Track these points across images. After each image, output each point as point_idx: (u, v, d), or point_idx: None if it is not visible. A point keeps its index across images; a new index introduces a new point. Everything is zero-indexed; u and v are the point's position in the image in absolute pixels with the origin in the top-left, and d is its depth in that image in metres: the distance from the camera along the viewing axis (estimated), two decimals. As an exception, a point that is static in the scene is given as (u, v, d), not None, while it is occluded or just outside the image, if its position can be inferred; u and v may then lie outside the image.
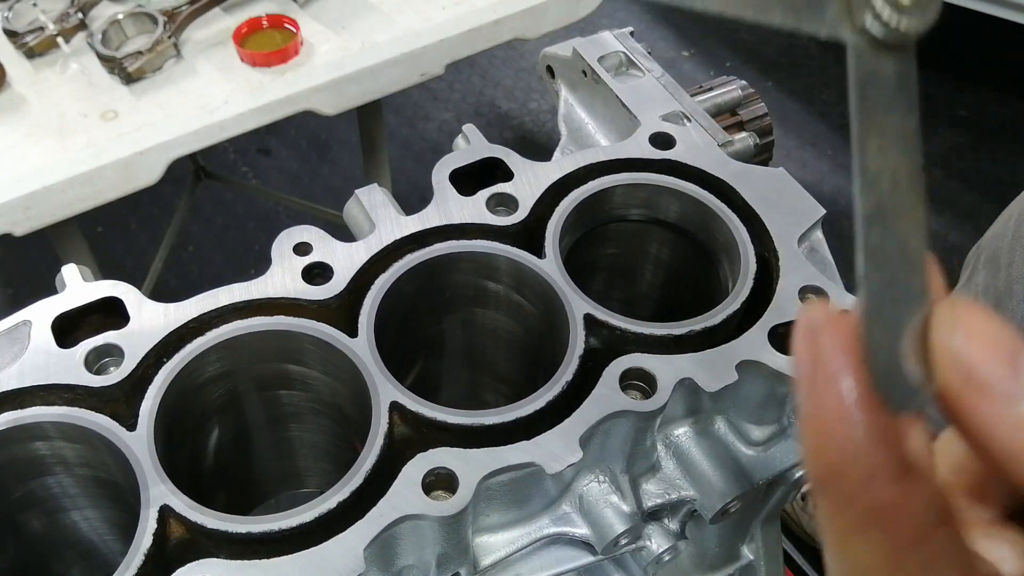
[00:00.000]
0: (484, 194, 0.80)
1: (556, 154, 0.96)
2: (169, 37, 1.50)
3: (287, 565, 0.60)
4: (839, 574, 0.29)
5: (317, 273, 0.75)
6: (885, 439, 0.28)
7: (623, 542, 0.71)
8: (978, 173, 2.89)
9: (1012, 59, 3.13)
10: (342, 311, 0.74)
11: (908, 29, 0.32)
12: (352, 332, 0.71)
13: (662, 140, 0.85)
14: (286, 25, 1.56)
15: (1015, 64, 3.12)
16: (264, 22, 1.57)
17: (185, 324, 0.71)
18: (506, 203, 0.80)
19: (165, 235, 2.44)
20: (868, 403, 0.29)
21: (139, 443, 0.65)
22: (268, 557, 0.60)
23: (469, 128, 0.87)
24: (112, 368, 0.69)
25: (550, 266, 0.75)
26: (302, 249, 0.76)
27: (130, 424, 0.66)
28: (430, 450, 0.65)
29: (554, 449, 0.65)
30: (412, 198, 0.83)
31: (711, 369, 0.69)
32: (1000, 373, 0.29)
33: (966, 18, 2.75)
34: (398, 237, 0.77)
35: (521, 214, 0.79)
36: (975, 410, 0.29)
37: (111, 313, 0.73)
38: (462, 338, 0.88)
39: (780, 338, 0.71)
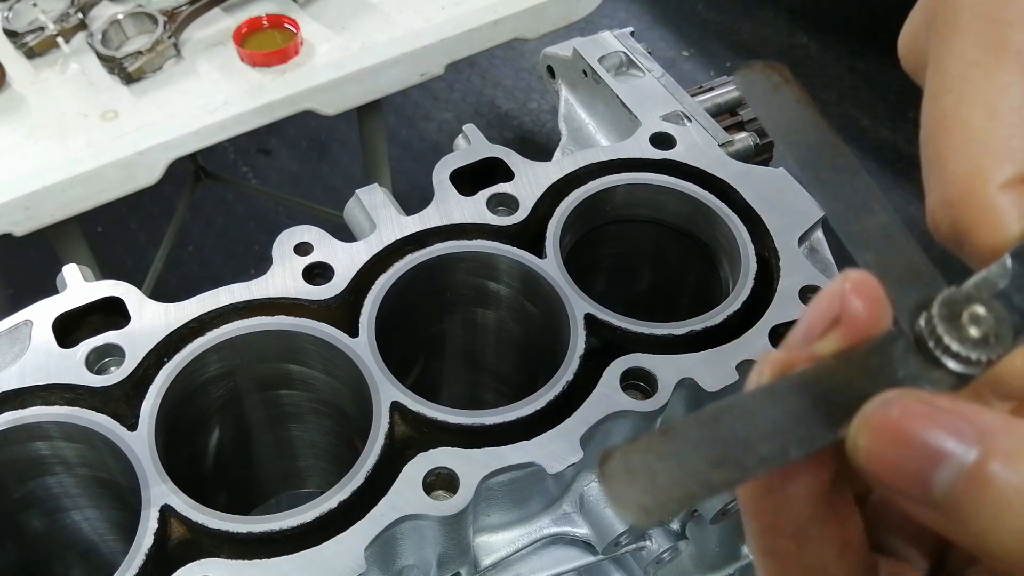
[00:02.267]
0: (484, 194, 0.80)
1: (556, 154, 0.96)
2: (169, 37, 1.50)
3: (288, 565, 0.60)
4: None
5: (318, 273, 0.75)
6: (786, 505, 0.32)
7: (624, 542, 0.71)
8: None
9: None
10: (343, 311, 0.74)
11: (983, 358, 0.32)
12: (353, 332, 0.71)
13: (662, 140, 0.85)
14: (286, 25, 1.56)
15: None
16: (264, 22, 1.57)
17: (186, 324, 0.71)
18: (506, 203, 0.80)
19: (165, 235, 2.43)
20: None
21: (140, 443, 0.65)
22: (269, 557, 0.60)
23: (469, 128, 0.87)
24: (113, 368, 0.69)
25: (551, 266, 0.75)
26: (303, 249, 0.76)
27: (131, 424, 0.66)
28: (431, 450, 0.65)
29: (555, 449, 0.65)
30: (412, 198, 0.82)
31: (711, 369, 0.69)
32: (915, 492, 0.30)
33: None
34: (399, 237, 0.77)
35: (521, 214, 0.79)
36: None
37: (112, 313, 0.73)
38: (463, 338, 0.88)
39: (781, 338, 0.71)
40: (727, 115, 0.94)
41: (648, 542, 0.76)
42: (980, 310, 0.32)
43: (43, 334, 0.70)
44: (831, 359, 0.33)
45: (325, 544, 0.61)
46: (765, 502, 0.32)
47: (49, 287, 0.75)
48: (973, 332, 0.32)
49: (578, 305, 0.73)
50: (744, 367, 0.69)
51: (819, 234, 0.82)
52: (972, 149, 0.36)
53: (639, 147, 0.85)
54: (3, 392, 0.67)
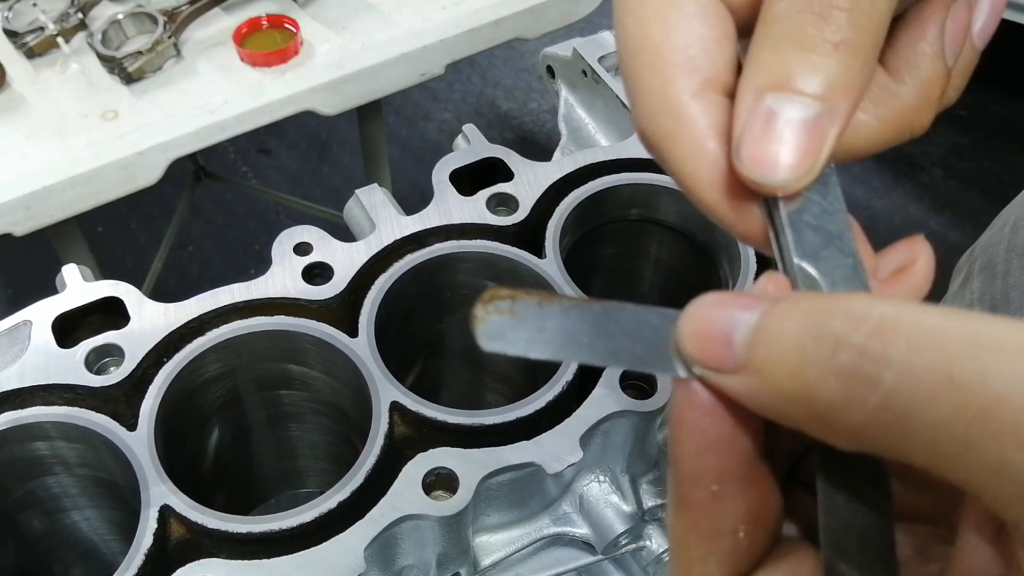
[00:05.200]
0: (484, 194, 0.80)
1: (556, 154, 0.96)
2: (169, 37, 1.50)
3: (287, 565, 0.60)
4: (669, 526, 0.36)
5: (317, 273, 0.75)
6: (714, 450, 0.33)
7: (623, 542, 0.71)
8: (978, 173, 2.89)
9: (1012, 59, 3.13)
10: (342, 311, 0.74)
11: None
12: (352, 332, 0.71)
13: (662, 140, 0.85)
14: (286, 25, 1.56)
15: (1015, 64, 3.12)
16: (264, 22, 1.57)
17: (185, 324, 0.71)
18: (506, 203, 0.80)
19: (165, 235, 2.43)
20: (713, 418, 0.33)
21: (139, 443, 0.65)
22: (268, 557, 0.60)
23: (469, 128, 0.87)
24: (112, 368, 0.69)
25: (550, 266, 0.75)
26: (302, 249, 0.76)
27: (130, 424, 0.66)
28: (430, 450, 0.65)
29: (554, 449, 0.65)
30: (412, 198, 0.83)
31: (711, 369, 0.69)
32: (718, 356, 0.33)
33: (966, 18, 2.74)
34: (398, 237, 0.77)
35: (521, 214, 0.79)
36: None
37: (111, 313, 0.73)
38: (462, 338, 0.87)
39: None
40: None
41: (648, 542, 0.76)
42: None
43: (43, 334, 0.70)
44: None
45: (325, 544, 0.61)
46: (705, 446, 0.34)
47: (49, 287, 0.75)
48: None
49: (578, 305, 0.72)
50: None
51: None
52: (659, 64, 0.39)
53: (639, 147, 0.84)
54: (3, 392, 0.67)
